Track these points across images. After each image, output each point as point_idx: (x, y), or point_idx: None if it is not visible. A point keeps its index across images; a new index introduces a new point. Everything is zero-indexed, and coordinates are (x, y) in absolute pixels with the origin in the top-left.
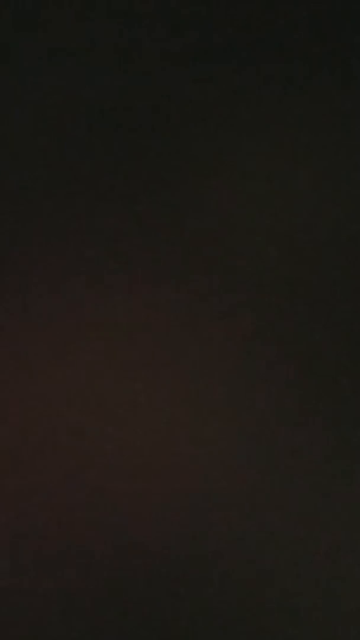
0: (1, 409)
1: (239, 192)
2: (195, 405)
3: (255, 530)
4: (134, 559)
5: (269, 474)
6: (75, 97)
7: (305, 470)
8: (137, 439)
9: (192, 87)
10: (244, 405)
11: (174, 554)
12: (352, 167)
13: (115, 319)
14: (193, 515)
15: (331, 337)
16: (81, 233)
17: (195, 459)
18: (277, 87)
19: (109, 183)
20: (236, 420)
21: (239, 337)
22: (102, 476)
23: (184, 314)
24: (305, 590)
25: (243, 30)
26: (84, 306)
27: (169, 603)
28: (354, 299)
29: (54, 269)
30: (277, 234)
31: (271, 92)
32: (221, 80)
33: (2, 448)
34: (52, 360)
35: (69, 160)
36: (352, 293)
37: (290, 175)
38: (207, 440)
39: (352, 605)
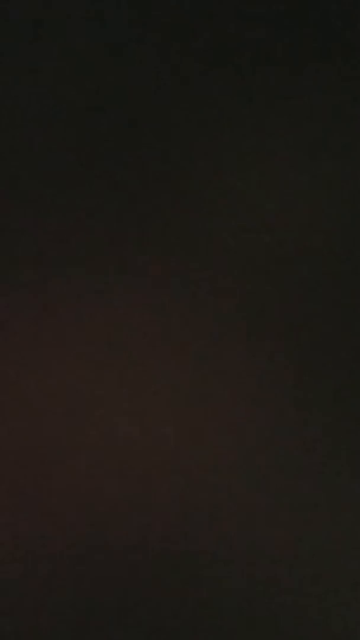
0: (1, 408)
1: (238, 192)
2: (195, 404)
3: (255, 532)
4: (133, 559)
5: (270, 475)
6: (74, 97)
7: (306, 471)
8: (136, 439)
9: (191, 86)
10: (244, 405)
11: (174, 555)
12: (352, 167)
13: (114, 320)
14: (193, 515)
15: (332, 337)
16: (80, 232)
17: (196, 459)
18: (277, 87)
19: (107, 183)
20: (236, 419)
21: (238, 337)
22: (102, 476)
23: (183, 315)
24: (305, 590)
25: (243, 30)
26: (82, 306)
27: (168, 603)
28: (354, 299)
29: (53, 269)
30: (278, 234)
31: (271, 92)
32: (221, 80)
33: (2, 447)
34: (51, 360)
35: (67, 160)
36: (352, 293)
37: (290, 175)
38: (207, 440)
39: (352, 605)
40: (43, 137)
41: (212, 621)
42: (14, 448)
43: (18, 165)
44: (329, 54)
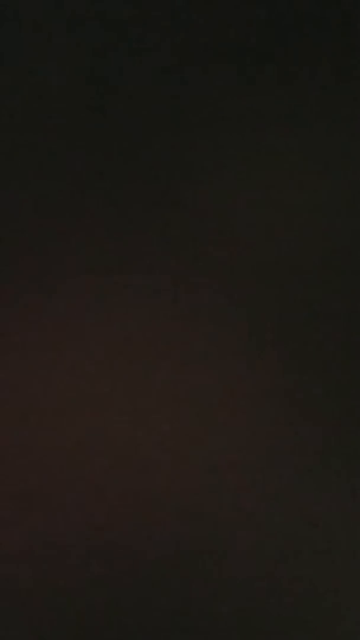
0: (1, 409)
1: (238, 193)
2: (195, 405)
3: (255, 532)
4: (133, 559)
5: (270, 475)
6: (73, 97)
7: (306, 471)
8: (136, 440)
9: (191, 86)
10: (243, 406)
11: (174, 555)
12: (353, 167)
13: (115, 321)
14: (193, 515)
15: (332, 339)
16: (80, 234)
17: (196, 459)
18: (277, 87)
19: (107, 184)
20: (236, 420)
21: (239, 339)
22: (103, 477)
23: (183, 317)
24: (305, 590)
25: (243, 30)
26: (83, 308)
27: (168, 603)
28: (355, 303)
29: (52, 270)
30: (277, 235)
31: (271, 92)
32: (221, 80)
33: (3, 447)
34: (51, 362)
35: (67, 160)
36: (352, 298)
37: (291, 177)
38: (207, 441)
39: (352, 605)
40: (43, 137)
41: (212, 621)
42: (15, 449)
43: (18, 165)
44: (329, 53)
